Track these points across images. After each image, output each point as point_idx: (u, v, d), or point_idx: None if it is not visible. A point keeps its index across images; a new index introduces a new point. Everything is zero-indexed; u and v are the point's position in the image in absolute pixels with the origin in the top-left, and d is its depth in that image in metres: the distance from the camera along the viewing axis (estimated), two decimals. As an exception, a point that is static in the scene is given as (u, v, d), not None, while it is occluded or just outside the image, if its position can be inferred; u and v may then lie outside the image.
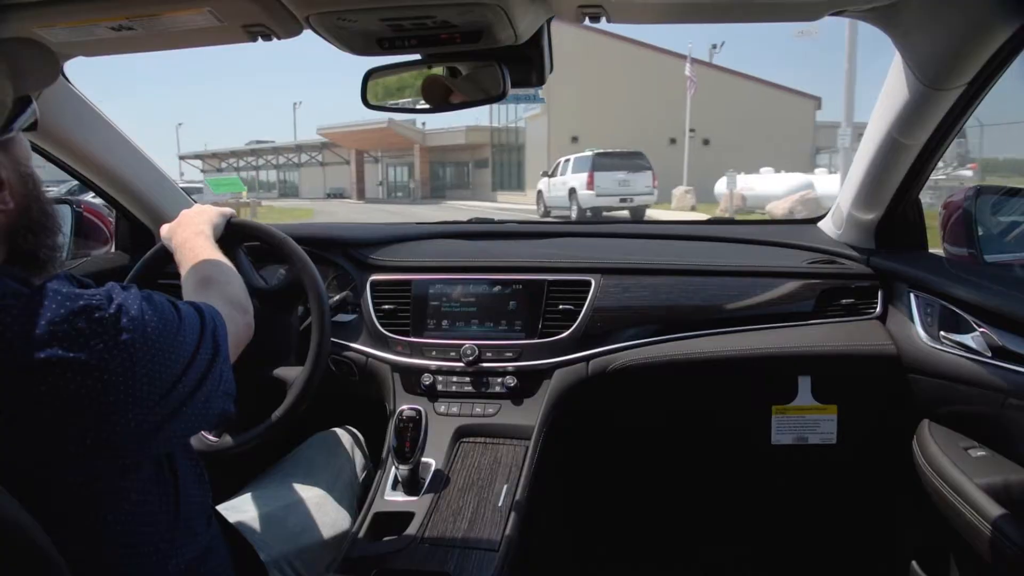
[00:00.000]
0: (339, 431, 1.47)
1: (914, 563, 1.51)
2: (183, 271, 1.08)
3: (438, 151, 35.99)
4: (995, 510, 1.08)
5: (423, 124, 35.64)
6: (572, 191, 16.72)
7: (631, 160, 16.39)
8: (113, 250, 1.80)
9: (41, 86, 0.79)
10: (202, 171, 54.52)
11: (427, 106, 1.15)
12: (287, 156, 47.27)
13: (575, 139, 24.37)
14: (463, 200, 30.53)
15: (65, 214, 1.64)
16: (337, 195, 41.15)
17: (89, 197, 1.86)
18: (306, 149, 44.53)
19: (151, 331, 0.68)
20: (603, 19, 1.00)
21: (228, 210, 1.27)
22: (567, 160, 17.71)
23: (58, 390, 0.61)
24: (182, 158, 53.79)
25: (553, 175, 18.30)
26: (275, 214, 21.11)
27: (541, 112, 26.19)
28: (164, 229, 1.21)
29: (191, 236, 1.14)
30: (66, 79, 1.36)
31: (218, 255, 1.10)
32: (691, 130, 21.21)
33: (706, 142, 24.21)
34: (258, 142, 47.93)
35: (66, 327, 0.62)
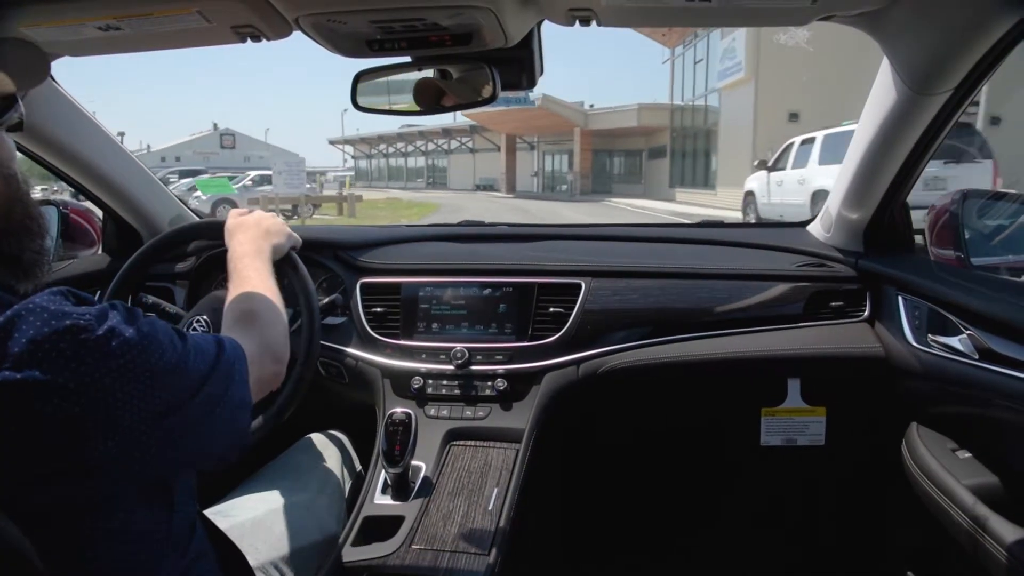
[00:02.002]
0: (327, 435, 1.46)
1: (909, 571, 1.52)
2: (231, 290, 1.03)
3: (604, 136, 28.49)
4: (984, 511, 1.09)
5: (591, 106, 28.26)
6: (817, 196, 9.58)
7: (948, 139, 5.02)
8: (100, 252, 1.79)
9: (29, 85, 0.77)
10: (352, 157, 52.07)
11: (417, 108, 1.15)
12: (436, 142, 41.93)
13: (794, 116, 16.75)
14: (631, 199, 23.89)
15: (51, 216, 1.62)
16: (488, 187, 34.77)
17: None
18: (455, 134, 38.71)
19: (143, 359, 0.65)
20: (593, 22, 1.01)
21: (298, 239, 1.23)
22: (808, 142, 10.58)
23: (34, 412, 0.58)
24: (332, 143, 50.88)
25: (776, 167, 11.36)
26: (380, 211, 18.58)
27: (746, 78, 17.70)
28: (232, 219, 1.17)
29: (252, 253, 1.09)
30: (52, 79, 1.35)
31: (271, 289, 1.04)
32: (974, 103, 7.67)
33: (995, 121, 12.92)
34: (409, 126, 43.72)
35: (47, 347, 0.59)
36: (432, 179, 44.52)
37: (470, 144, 38.60)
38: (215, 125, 57.66)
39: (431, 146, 42.96)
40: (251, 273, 1.05)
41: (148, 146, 58.86)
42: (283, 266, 1.22)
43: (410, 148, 44.86)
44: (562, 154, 32.26)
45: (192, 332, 1.20)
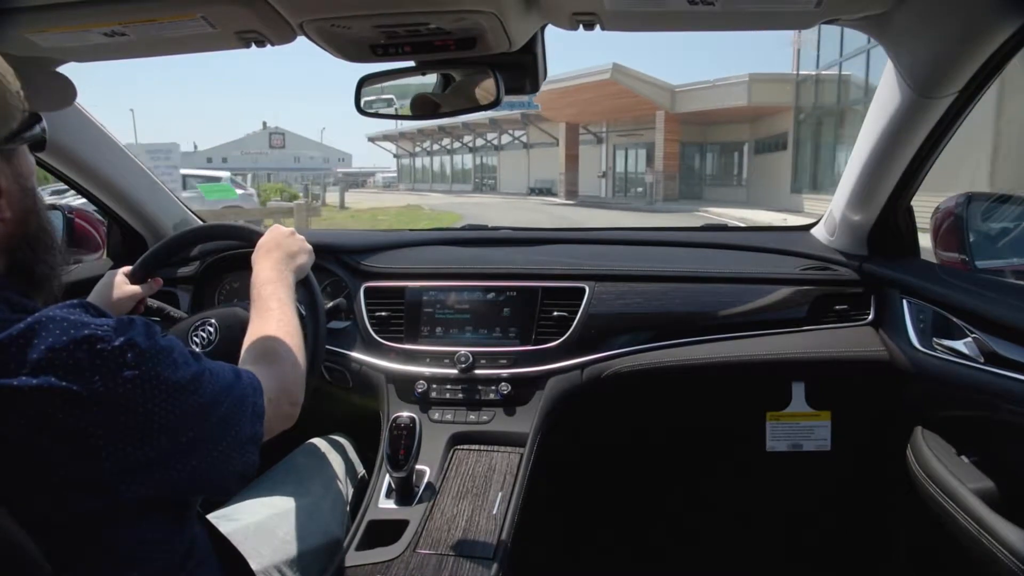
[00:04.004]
0: (331, 439, 1.46)
1: (910, 569, 1.51)
2: (252, 321, 1.02)
3: (696, 123, 21.15)
4: (989, 515, 1.09)
5: (684, 88, 20.43)
6: None
7: None
8: (104, 257, 1.79)
9: (54, 107, 0.76)
10: (395, 155, 49.23)
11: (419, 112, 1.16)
12: (484, 136, 35.22)
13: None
14: (734, 208, 17.11)
15: (56, 221, 1.63)
16: (544, 191, 28.75)
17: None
18: (505, 125, 31.34)
19: (158, 372, 0.65)
20: (597, 27, 1.01)
21: (311, 250, 1.20)
22: None
23: (46, 418, 0.59)
24: (372, 140, 47.14)
25: None
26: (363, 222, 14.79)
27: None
28: (264, 238, 1.15)
29: (276, 280, 1.07)
30: None
31: (294, 326, 1.02)
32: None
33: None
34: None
35: (65, 355, 0.60)
36: (481, 181, 37.54)
37: (523, 138, 31.46)
38: (264, 123, 56.02)
39: (479, 142, 35.95)
40: (273, 304, 1.03)
41: (195, 146, 58.31)
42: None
43: (456, 144, 38.68)
44: (639, 148, 24.23)
45: (200, 347, 1.20)
